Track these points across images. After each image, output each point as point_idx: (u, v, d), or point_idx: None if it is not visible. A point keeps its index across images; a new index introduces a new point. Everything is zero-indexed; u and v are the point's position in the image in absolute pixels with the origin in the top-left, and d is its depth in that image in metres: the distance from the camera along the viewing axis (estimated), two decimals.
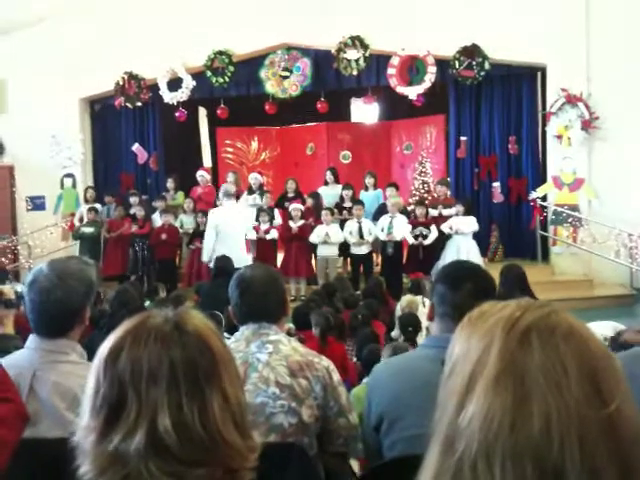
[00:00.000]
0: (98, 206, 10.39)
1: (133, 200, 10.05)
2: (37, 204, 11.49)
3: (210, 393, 1.11)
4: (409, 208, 9.62)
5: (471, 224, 8.75)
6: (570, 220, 9.48)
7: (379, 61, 10.26)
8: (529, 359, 0.86)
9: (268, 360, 2.21)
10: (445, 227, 8.76)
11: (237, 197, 10.16)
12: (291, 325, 5.19)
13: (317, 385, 2.20)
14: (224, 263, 6.96)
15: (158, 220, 9.77)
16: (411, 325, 4.81)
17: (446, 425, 0.91)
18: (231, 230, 8.10)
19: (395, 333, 5.31)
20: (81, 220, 10.44)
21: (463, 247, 8.59)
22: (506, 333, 0.89)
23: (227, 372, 1.16)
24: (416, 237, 8.77)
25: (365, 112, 13.23)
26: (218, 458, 1.11)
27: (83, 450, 1.12)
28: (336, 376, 2.29)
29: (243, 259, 7.69)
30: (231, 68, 10.57)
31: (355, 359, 4.81)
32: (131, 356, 1.10)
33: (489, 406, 0.86)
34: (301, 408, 2.16)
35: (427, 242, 8.72)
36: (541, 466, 0.82)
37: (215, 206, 9.71)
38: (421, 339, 4.79)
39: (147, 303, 6.31)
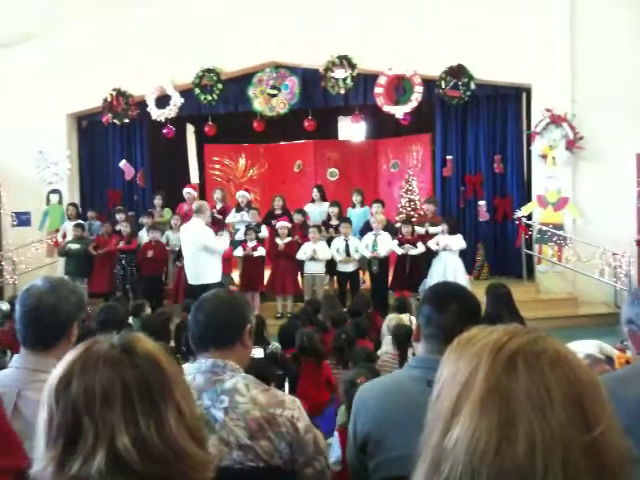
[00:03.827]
0: (83, 222, 10.34)
1: (119, 217, 9.99)
2: (22, 220, 11.40)
3: (165, 408, 1.12)
4: (396, 225, 9.66)
5: (459, 242, 8.80)
6: (555, 239, 9.56)
7: (366, 80, 10.34)
8: (514, 383, 0.87)
9: (225, 420, 2.04)
10: (432, 244, 8.79)
11: (223, 214, 10.18)
12: (277, 344, 5.17)
13: (281, 443, 2.06)
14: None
15: (145, 237, 9.74)
16: (403, 327, 4.86)
17: (433, 446, 0.92)
18: (185, 247, 7.98)
19: (381, 351, 5.32)
20: (64, 237, 10.37)
21: (449, 265, 8.63)
22: (493, 357, 0.90)
23: (179, 387, 1.18)
24: (404, 255, 8.80)
25: (352, 130, 13.32)
26: (180, 471, 1.12)
27: None
28: (302, 423, 2.11)
29: (201, 275, 7.65)
30: (219, 86, 10.61)
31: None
32: (82, 382, 1.11)
33: (475, 428, 0.87)
34: (268, 465, 2.06)
35: (414, 252, 8.73)
36: None
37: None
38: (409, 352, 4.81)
39: (131, 320, 6.25)
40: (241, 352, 2.21)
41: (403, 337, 4.75)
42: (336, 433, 2.93)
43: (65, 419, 1.10)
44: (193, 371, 2.14)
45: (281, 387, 4.28)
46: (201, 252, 7.67)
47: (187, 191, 10.60)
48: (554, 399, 0.86)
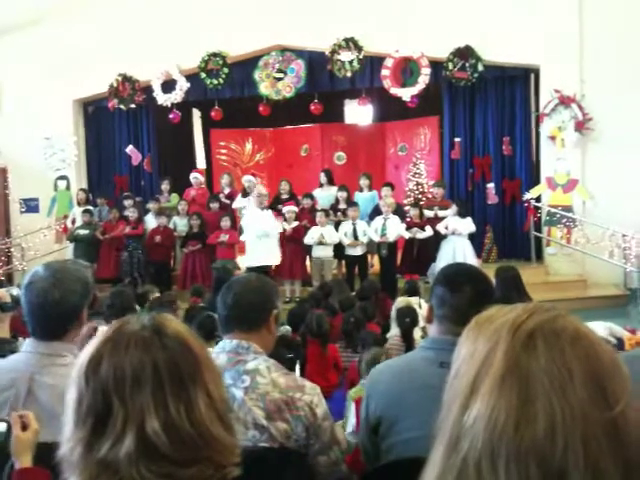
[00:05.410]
0: (92, 208, 10.36)
1: (127, 202, 10.00)
2: (30, 206, 11.44)
3: (195, 392, 1.12)
4: (405, 209, 9.63)
5: (468, 225, 8.77)
6: (564, 221, 9.51)
7: (373, 63, 10.26)
8: (534, 361, 0.87)
9: (244, 399, 2.04)
10: (441, 227, 8.76)
11: (231, 199, 10.17)
12: (287, 327, 5.18)
13: (298, 426, 2.05)
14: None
15: (151, 222, 9.75)
16: (408, 316, 4.84)
17: (451, 425, 0.91)
18: (245, 231, 8.83)
19: (390, 334, 5.31)
20: (74, 222, 10.41)
21: (459, 248, 8.60)
22: (512, 335, 0.89)
23: (209, 371, 1.17)
24: (412, 239, 8.78)
25: (359, 113, 13.24)
26: (208, 455, 1.12)
27: (70, 462, 1.11)
28: (321, 410, 2.10)
29: (250, 259, 8.47)
30: (225, 70, 10.56)
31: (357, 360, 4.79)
32: (113, 363, 1.11)
33: (494, 406, 0.86)
34: (282, 446, 2.06)
35: (422, 236, 8.71)
36: (545, 467, 0.83)
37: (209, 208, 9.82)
38: (417, 335, 4.81)
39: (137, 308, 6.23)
40: (265, 337, 2.22)
41: (405, 321, 4.76)
42: (353, 404, 2.93)
43: (95, 400, 1.10)
44: (217, 350, 2.16)
45: (292, 370, 4.30)
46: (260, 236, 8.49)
47: (194, 176, 10.62)
48: (575, 378, 0.85)
